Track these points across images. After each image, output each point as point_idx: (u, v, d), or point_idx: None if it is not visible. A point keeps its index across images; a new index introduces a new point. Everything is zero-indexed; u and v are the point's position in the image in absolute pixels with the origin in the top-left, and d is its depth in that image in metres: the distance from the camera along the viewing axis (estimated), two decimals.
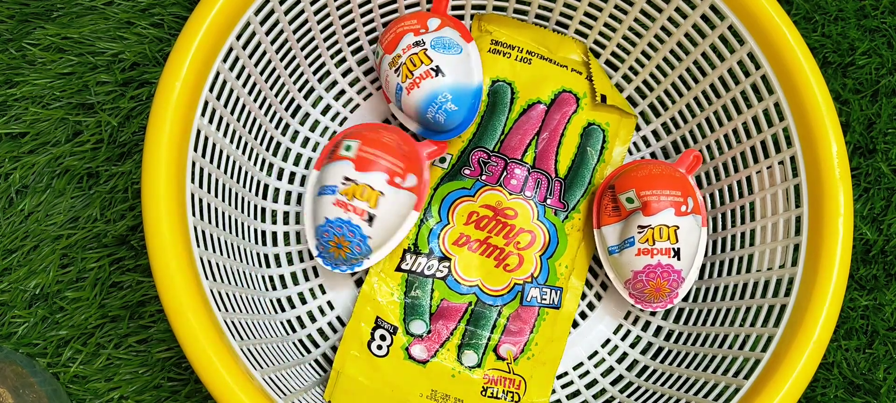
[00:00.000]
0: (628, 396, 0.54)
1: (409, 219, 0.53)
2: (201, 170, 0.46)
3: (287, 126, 0.58)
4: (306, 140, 0.59)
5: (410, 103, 0.52)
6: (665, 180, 0.52)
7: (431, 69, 0.51)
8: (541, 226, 0.56)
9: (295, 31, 0.53)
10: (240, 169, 0.52)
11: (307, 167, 0.58)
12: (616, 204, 0.54)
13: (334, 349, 0.55)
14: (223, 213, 0.49)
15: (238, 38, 0.47)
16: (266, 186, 0.56)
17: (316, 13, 0.53)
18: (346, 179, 0.50)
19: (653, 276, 0.52)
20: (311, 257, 0.56)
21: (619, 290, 0.55)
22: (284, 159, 0.58)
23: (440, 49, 0.52)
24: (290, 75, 0.56)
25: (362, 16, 0.56)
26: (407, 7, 0.57)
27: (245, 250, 0.52)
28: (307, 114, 0.59)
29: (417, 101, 0.52)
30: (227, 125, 0.49)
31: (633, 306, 0.57)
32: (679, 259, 0.51)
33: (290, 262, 0.57)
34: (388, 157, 0.50)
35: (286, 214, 0.57)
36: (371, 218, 0.50)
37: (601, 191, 0.56)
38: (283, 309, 0.55)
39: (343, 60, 0.59)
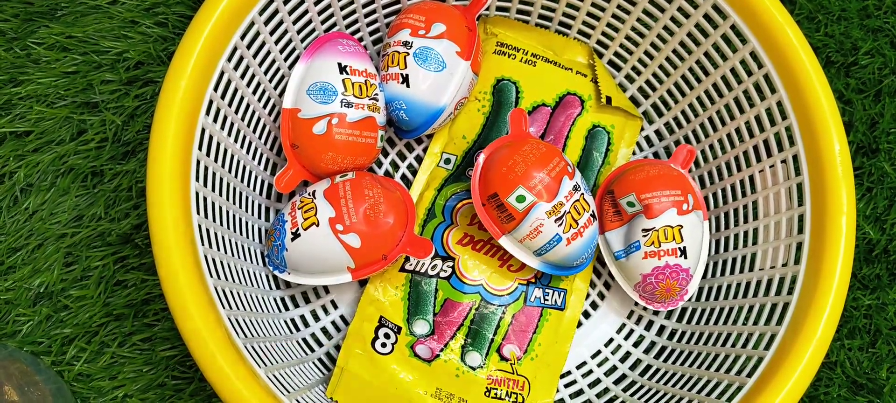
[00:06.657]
0: (631, 395, 0.54)
1: (336, 276, 0.50)
2: (206, 168, 0.46)
3: None
4: None
5: (385, 90, 0.54)
6: (664, 180, 0.52)
7: (401, 74, 0.53)
8: None
9: (299, 32, 0.53)
10: (244, 168, 0.52)
11: None
12: (617, 209, 0.54)
13: (338, 347, 0.55)
14: (227, 212, 0.49)
15: (242, 37, 0.47)
16: (270, 186, 0.56)
17: (320, 14, 0.53)
18: (313, 193, 0.50)
19: (662, 277, 0.52)
20: None
21: (628, 293, 0.55)
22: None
23: (420, 61, 0.52)
24: None
25: (366, 16, 0.56)
26: None
27: (249, 248, 0.52)
28: None
29: (386, 93, 0.54)
30: (232, 124, 0.49)
31: (646, 308, 0.57)
32: (686, 257, 0.51)
33: None
34: (349, 206, 0.49)
35: None
36: (296, 236, 0.50)
37: (600, 196, 0.56)
38: (287, 308, 0.55)
39: None
